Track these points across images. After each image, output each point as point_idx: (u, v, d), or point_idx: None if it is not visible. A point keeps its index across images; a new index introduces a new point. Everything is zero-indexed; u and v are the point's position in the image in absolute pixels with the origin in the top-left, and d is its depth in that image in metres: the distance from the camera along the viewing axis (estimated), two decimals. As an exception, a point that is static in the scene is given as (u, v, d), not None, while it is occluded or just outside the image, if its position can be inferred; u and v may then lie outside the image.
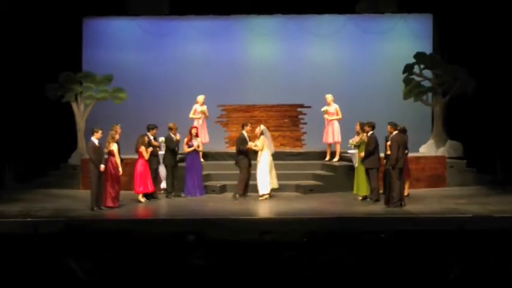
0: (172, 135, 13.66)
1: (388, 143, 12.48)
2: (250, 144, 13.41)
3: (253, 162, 13.53)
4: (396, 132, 12.22)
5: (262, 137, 13.29)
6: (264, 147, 13.27)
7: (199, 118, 15.09)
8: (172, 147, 13.56)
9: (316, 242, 6.86)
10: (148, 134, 13.43)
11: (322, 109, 14.96)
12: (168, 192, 13.67)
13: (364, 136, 12.80)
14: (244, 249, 6.39)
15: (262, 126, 13.50)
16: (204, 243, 6.69)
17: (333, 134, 14.88)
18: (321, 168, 15.08)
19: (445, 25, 17.08)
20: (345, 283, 5.72)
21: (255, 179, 13.43)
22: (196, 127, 14.28)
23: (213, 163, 15.16)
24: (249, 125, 13.74)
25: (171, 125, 13.84)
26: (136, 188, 13.02)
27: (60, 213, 11.96)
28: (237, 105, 16.80)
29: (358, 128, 13.08)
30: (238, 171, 13.62)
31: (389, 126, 12.38)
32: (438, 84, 16.22)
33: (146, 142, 13.10)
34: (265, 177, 13.19)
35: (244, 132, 13.56)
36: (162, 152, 13.93)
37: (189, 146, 13.74)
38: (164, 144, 13.84)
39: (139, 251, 6.39)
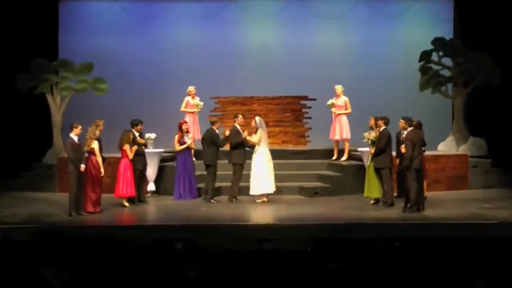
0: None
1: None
2: (246, 134, 13.37)
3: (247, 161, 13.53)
4: (411, 129, 12.20)
5: (260, 130, 13.29)
6: (262, 142, 13.26)
7: (192, 112, 15.08)
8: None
9: (322, 251, 6.86)
10: (133, 130, 13.37)
11: (328, 102, 14.94)
12: (208, 198, 13.48)
13: (377, 132, 12.79)
14: (241, 259, 6.40)
15: (257, 118, 13.48)
16: (196, 252, 6.69)
17: (340, 130, 14.87)
18: (328, 168, 15.08)
19: (468, 7, 17.07)
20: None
21: (246, 180, 13.42)
22: (186, 122, 14.27)
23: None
24: (240, 116, 13.68)
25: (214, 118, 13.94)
26: (117, 191, 12.98)
27: (34, 219, 11.94)
28: (233, 97, 16.79)
29: (372, 123, 13.03)
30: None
31: (402, 122, 12.29)
32: (459, 73, 16.21)
33: (131, 139, 13.05)
34: (262, 175, 13.18)
35: (236, 124, 13.53)
36: (148, 150, 13.92)
37: (181, 144, 13.72)
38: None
39: (123, 261, 6.39)
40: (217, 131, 13.59)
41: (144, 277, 5.98)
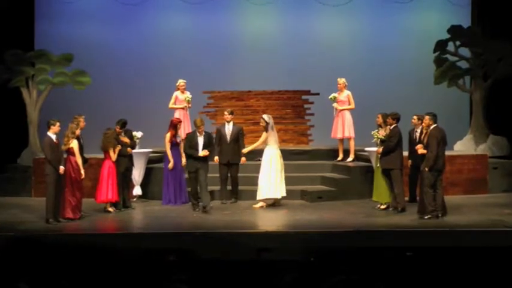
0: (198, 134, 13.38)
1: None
2: (204, 153, 13.16)
3: (251, 162, 13.56)
4: (435, 125, 12.22)
5: (264, 133, 13.29)
6: (270, 142, 13.28)
7: (182, 108, 15.07)
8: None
9: (325, 261, 6.88)
10: (116, 129, 13.33)
11: (330, 96, 14.94)
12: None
13: (387, 130, 12.80)
14: (237, 270, 6.41)
15: (266, 117, 13.40)
16: (188, 263, 6.71)
17: (343, 127, 14.87)
18: (332, 170, 15.10)
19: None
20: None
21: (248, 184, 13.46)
22: (181, 121, 14.20)
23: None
24: (202, 120, 13.58)
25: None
26: (99, 196, 12.97)
27: (7, 226, 11.91)
28: (228, 91, 16.80)
29: (380, 120, 13.04)
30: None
31: (427, 118, 12.31)
32: (478, 65, 16.24)
33: (113, 138, 13.04)
34: (265, 179, 13.20)
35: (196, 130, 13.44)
36: (134, 151, 13.87)
37: (173, 143, 13.69)
38: (136, 141, 13.77)
39: (106, 273, 6.40)
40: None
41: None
